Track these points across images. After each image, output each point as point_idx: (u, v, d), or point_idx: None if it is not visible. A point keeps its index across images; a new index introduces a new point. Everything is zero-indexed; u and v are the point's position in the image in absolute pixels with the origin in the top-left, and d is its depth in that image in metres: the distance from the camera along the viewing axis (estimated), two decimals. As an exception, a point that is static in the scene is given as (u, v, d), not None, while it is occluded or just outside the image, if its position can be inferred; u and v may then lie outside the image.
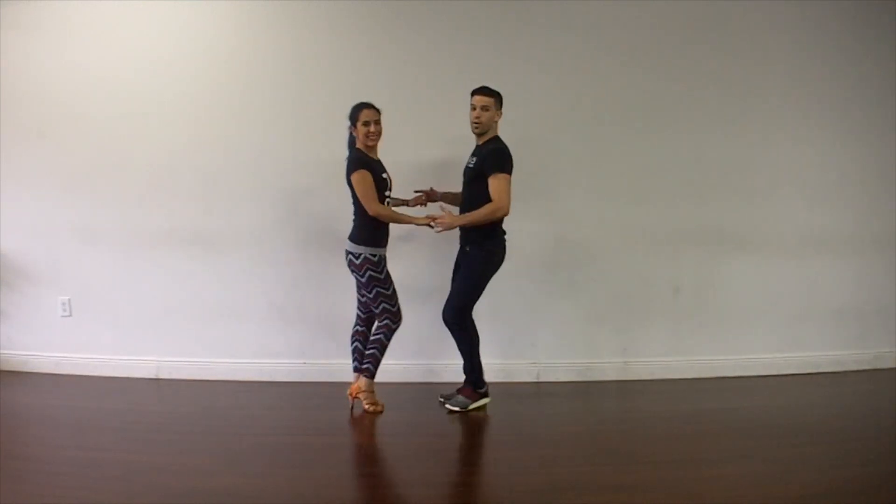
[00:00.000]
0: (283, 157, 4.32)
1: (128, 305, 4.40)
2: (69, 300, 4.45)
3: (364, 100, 3.65)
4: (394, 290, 3.70)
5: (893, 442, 3.20)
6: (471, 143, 3.80)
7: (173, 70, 4.32)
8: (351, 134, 3.68)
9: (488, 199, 3.61)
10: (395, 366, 4.00)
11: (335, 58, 4.30)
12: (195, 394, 4.12)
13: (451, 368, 4.06)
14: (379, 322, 3.70)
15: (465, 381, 3.84)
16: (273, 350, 4.36)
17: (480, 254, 3.73)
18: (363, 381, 3.69)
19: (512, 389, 4.23)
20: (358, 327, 3.87)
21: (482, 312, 4.32)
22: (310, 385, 4.22)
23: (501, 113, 3.73)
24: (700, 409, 3.88)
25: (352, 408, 3.74)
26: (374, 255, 3.63)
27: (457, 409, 3.74)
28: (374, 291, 3.65)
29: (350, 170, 3.60)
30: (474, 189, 3.67)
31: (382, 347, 3.69)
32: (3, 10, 4.33)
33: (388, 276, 3.68)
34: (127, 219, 4.37)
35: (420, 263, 4.22)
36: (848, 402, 3.99)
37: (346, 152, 3.72)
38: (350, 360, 3.89)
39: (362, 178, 3.57)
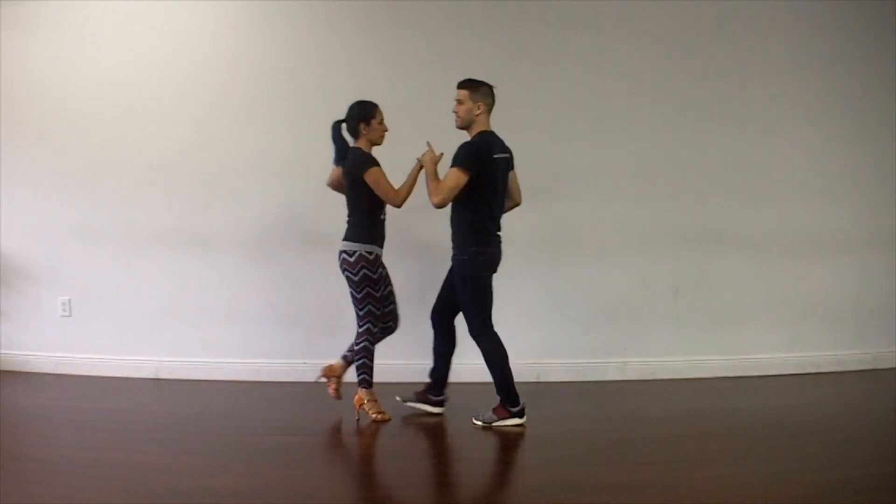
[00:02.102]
0: (283, 157, 4.32)
1: (128, 305, 4.40)
2: (69, 300, 4.45)
3: (364, 99, 3.63)
4: (384, 295, 3.59)
5: (893, 442, 3.20)
6: (461, 140, 3.76)
7: (173, 70, 4.33)
8: (351, 131, 3.58)
9: (468, 194, 3.41)
10: (394, 365, 4.00)
11: (335, 58, 4.31)
12: (195, 394, 4.12)
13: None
14: (360, 328, 3.58)
15: (436, 385, 3.70)
16: (273, 350, 4.36)
17: (461, 260, 3.52)
18: (363, 391, 3.58)
19: (512, 389, 4.23)
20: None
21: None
22: (309, 385, 4.21)
23: (483, 104, 3.49)
24: (700, 409, 3.88)
25: (319, 379, 3.73)
26: (371, 253, 3.52)
27: (480, 423, 3.53)
28: (364, 291, 3.53)
29: (364, 168, 3.47)
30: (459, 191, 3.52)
31: (370, 354, 3.57)
32: (3, 10, 4.33)
33: (382, 278, 3.57)
34: (127, 219, 4.37)
35: (422, 263, 4.20)
36: (848, 402, 3.99)
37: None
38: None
39: (380, 173, 3.48)
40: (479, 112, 3.49)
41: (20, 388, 4.18)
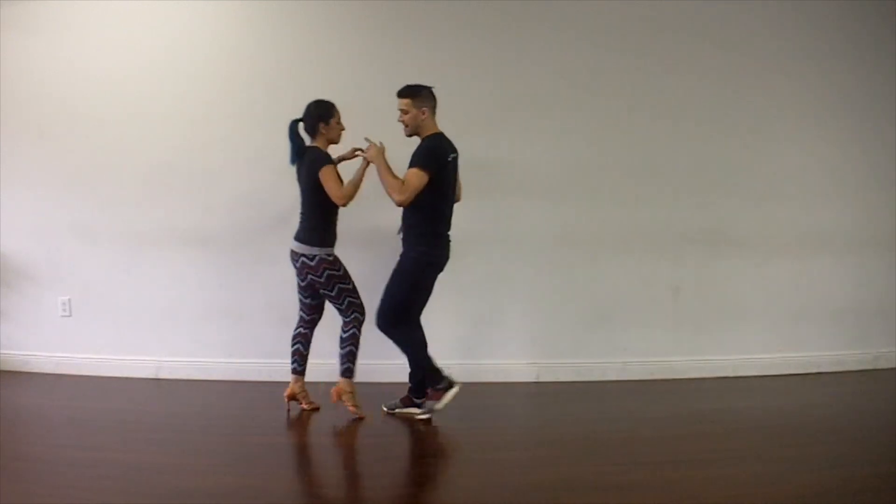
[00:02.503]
0: (283, 157, 4.30)
1: (128, 305, 4.40)
2: (69, 300, 4.45)
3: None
4: (354, 284, 3.63)
5: (893, 442, 3.20)
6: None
7: (173, 70, 4.33)
8: (309, 130, 3.59)
9: (425, 197, 3.44)
10: (392, 365, 3.99)
11: (335, 58, 4.31)
12: (195, 394, 4.12)
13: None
14: (347, 318, 3.63)
15: (416, 388, 3.69)
16: (273, 350, 4.35)
17: (409, 256, 3.56)
18: (344, 382, 3.60)
19: (512, 389, 4.23)
20: (301, 329, 3.78)
21: (482, 312, 4.34)
22: (309, 385, 4.19)
23: (427, 108, 3.52)
24: (700, 409, 3.88)
25: (288, 410, 3.69)
26: (329, 255, 3.58)
27: (427, 415, 3.60)
28: (335, 289, 3.59)
29: (318, 166, 3.49)
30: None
31: (357, 342, 3.62)
32: (3, 10, 4.33)
33: (345, 271, 3.62)
34: (127, 219, 4.37)
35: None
36: (848, 402, 3.99)
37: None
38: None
39: (330, 172, 3.50)
40: (424, 117, 3.55)
41: (20, 388, 4.18)
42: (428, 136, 3.56)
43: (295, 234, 3.63)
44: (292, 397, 3.71)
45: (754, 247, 4.47)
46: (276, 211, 4.33)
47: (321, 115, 3.58)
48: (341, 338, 3.65)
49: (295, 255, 3.61)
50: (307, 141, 3.65)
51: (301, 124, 3.63)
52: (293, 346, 3.78)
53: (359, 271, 3.73)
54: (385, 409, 3.74)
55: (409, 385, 3.73)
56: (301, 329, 3.79)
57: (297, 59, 4.31)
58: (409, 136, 3.58)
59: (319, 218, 3.59)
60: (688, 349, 4.45)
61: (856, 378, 4.41)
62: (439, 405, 3.57)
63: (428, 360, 3.61)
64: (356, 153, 3.64)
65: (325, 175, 3.49)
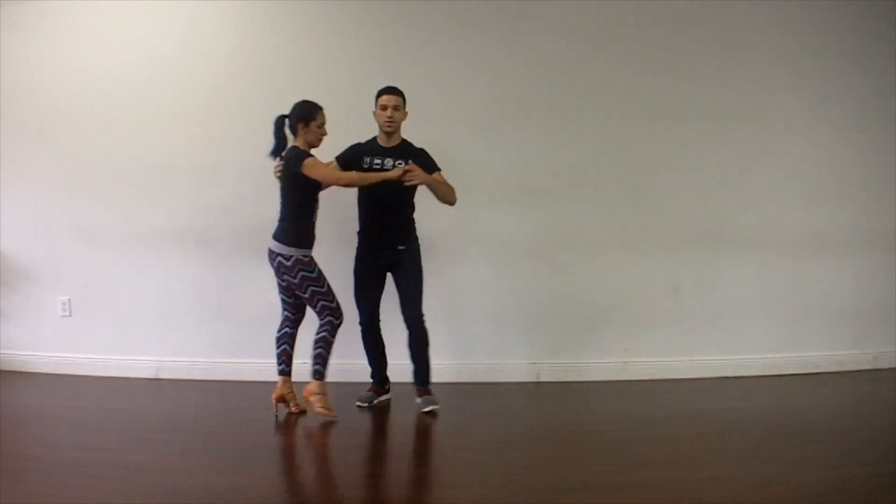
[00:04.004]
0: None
1: (128, 305, 4.40)
2: (69, 300, 4.45)
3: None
4: (329, 287, 3.59)
5: (893, 442, 3.20)
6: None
7: (173, 70, 4.33)
8: (290, 129, 3.56)
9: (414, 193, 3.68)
10: (392, 366, 3.99)
11: (335, 58, 4.31)
12: (195, 394, 4.12)
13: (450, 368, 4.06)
14: (321, 320, 3.59)
15: (424, 382, 3.76)
16: (273, 350, 4.34)
17: (416, 249, 3.76)
18: (315, 383, 3.56)
19: (512, 389, 4.23)
20: (287, 329, 3.73)
21: (482, 313, 4.34)
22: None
23: (407, 112, 3.71)
24: (700, 409, 3.88)
25: (276, 414, 3.65)
26: (306, 256, 3.54)
27: (434, 408, 3.68)
28: (308, 291, 3.54)
29: (299, 164, 3.44)
30: (405, 191, 3.62)
31: (328, 345, 3.58)
32: (3, 10, 4.33)
33: (320, 273, 3.57)
34: (127, 219, 4.37)
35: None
36: (848, 402, 3.99)
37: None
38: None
39: (317, 160, 3.49)
40: (405, 119, 3.70)
41: (20, 388, 4.19)
42: (405, 140, 3.72)
43: (273, 232, 3.59)
44: (280, 399, 3.66)
45: (754, 247, 4.47)
46: (275, 211, 4.30)
47: (303, 115, 3.54)
48: (314, 339, 3.61)
49: (272, 255, 3.56)
50: (290, 140, 3.60)
51: (287, 121, 3.60)
52: (279, 346, 3.72)
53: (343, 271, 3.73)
54: (422, 410, 3.72)
55: (415, 382, 3.77)
56: (287, 329, 3.73)
57: (297, 59, 4.31)
58: (391, 133, 3.67)
59: (297, 218, 3.55)
60: (688, 349, 4.45)
61: (856, 378, 4.41)
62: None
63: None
64: (403, 177, 3.53)
65: (310, 167, 3.45)
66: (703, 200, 4.45)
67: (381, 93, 3.68)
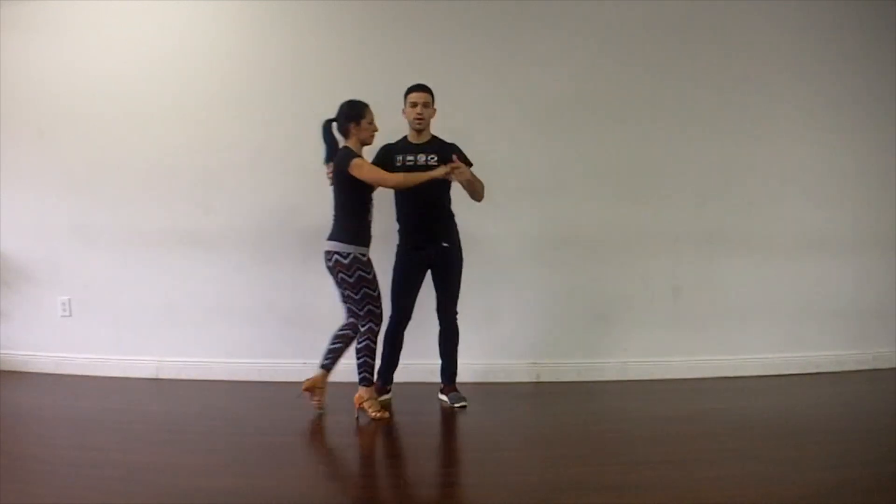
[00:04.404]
0: (283, 156, 4.33)
1: (127, 305, 4.41)
2: (69, 300, 4.45)
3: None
4: (379, 293, 3.59)
5: (893, 442, 3.20)
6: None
7: (173, 70, 4.33)
8: (341, 131, 3.58)
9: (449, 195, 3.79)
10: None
11: (335, 58, 4.31)
12: (195, 394, 4.12)
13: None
14: (363, 327, 3.57)
15: (451, 378, 3.86)
16: (273, 350, 4.36)
17: (460, 246, 3.84)
18: (364, 390, 3.58)
19: (512, 389, 4.23)
20: (349, 332, 3.70)
21: (482, 313, 4.34)
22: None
23: (436, 109, 3.76)
24: (700, 409, 3.88)
25: (299, 397, 3.67)
26: (364, 255, 3.54)
27: (464, 403, 3.76)
28: (362, 292, 3.53)
29: (346, 163, 3.46)
30: (444, 185, 3.68)
31: (372, 352, 3.58)
32: (3, 10, 4.33)
33: (375, 277, 3.57)
34: (127, 219, 4.37)
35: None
36: (848, 402, 3.99)
37: None
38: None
39: (363, 161, 3.50)
40: (433, 115, 3.74)
41: (20, 388, 4.19)
42: (435, 136, 3.75)
43: (328, 234, 3.57)
44: (310, 389, 3.64)
45: (754, 247, 4.47)
46: (276, 211, 4.33)
47: (353, 115, 3.55)
48: (356, 348, 3.60)
49: (329, 254, 3.54)
50: (341, 142, 3.61)
51: (334, 124, 3.60)
52: (333, 344, 3.70)
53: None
54: (454, 406, 3.78)
55: (443, 379, 3.89)
56: (349, 332, 3.69)
57: (297, 59, 4.31)
58: (421, 130, 3.71)
59: (352, 217, 3.55)
60: (688, 349, 4.45)
61: (855, 378, 4.40)
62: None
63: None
64: (451, 174, 3.55)
65: (357, 167, 3.45)
66: (703, 200, 4.45)
67: (409, 90, 3.71)
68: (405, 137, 3.78)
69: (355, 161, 3.47)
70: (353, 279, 3.51)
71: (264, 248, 4.34)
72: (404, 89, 3.78)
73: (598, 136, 4.39)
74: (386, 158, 3.73)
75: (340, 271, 3.52)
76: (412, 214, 3.75)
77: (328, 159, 3.61)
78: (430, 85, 3.74)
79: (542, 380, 4.38)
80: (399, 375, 3.95)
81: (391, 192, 3.73)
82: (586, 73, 4.37)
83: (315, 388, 3.66)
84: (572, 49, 4.35)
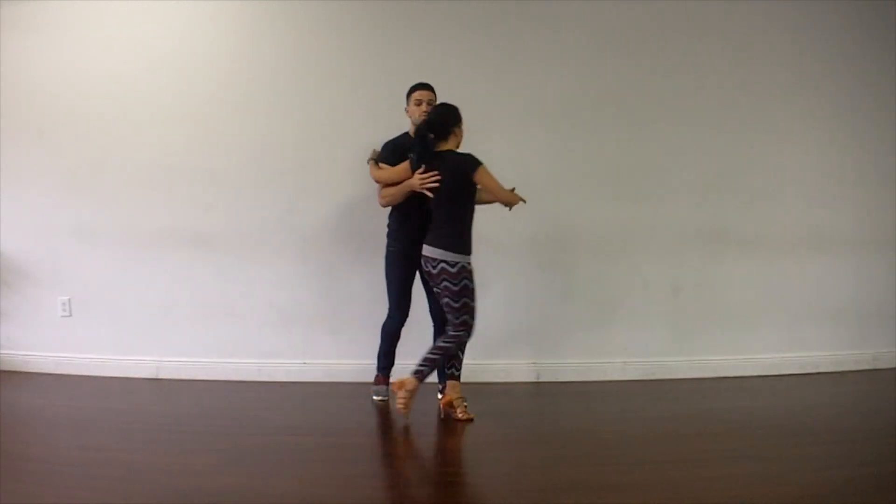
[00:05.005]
0: (283, 156, 4.33)
1: (128, 305, 4.40)
2: (69, 300, 4.45)
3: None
4: (476, 304, 3.55)
5: (893, 442, 3.20)
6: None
7: (173, 70, 4.33)
8: (444, 134, 3.53)
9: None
10: (398, 366, 4.00)
11: (336, 57, 4.31)
12: (195, 394, 4.12)
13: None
14: (455, 331, 3.51)
15: (456, 373, 3.76)
16: (273, 350, 4.36)
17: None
18: (410, 381, 3.46)
19: (512, 389, 4.23)
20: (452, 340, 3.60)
21: (482, 312, 4.33)
22: (310, 385, 4.22)
23: None
24: (700, 409, 3.88)
25: (442, 417, 3.62)
26: (470, 265, 3.51)
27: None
28: (462, 301, 3.47)
29: (473, 168, 3.43)
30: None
31: (446, 356, 3.54)
32: (3, 10, 4.33)
33: (475, 288, 3.54)
34: (127, 219, 4.37)
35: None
36: (848, 402, 3.99)
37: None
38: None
39: (486, 168, 3.46)
40: None
41: (20, 388, 4.18)
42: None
43: (428, 239, 3.52)
44: (449, 405, 3.58)
45: (754, 247, 4.47)
46: (276, 211, 4.33)
47: (458, 118, 3.56)
48: (437, 344, 3.57)
49: (433, 262, 3.48)
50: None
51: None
52: (442, 353, 3.57)
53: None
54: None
55: (441, 379, 3.79)
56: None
57: (298, 58, 4.31)
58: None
59: (459, 223, 3.50)
60: (688, 349, 4.45)
61: (855, 378, 4.41)
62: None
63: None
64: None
65: (484, 173, 3.44)
66: (703, 200, 4.45)
67: (414, 88, 3.71)
68: (406, 134, 3.77)
69: (482, 167, 3.44)
70: (459, 287, 3.47)
71: (264, 248, 4.34)
72: (404, 89, 3.78)
73: (598, 135, 4.39)
74: (401, 156, 3.67)
75: (446, 279, 3.47)
76: (412, 215, 3.74)
77: (418, 165, 3.54)
78: (429, 83, 3.74)
79: (541, 380, 4.38)
80: (398, 376, 3.94)
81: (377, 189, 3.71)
82: (586, 72, 4.37)
83: (453, 400, 3.59)
84: (572, 49, 4.35)
